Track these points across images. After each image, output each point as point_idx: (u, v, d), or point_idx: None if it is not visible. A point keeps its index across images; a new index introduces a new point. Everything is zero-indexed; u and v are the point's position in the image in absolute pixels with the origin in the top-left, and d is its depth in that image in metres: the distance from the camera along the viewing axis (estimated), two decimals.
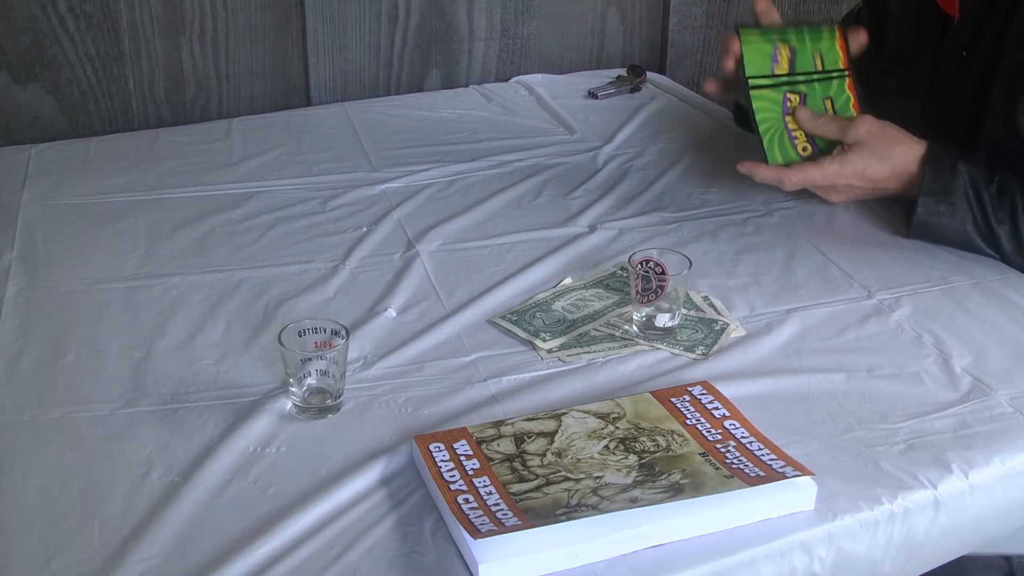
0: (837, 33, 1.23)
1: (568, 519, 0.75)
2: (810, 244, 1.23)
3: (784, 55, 1.22)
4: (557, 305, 1.10)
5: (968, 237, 1.17)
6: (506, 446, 0.85)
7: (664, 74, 1.93)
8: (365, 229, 1.27)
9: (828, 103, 1.22)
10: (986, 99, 1.20)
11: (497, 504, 0.77)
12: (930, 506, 0.84)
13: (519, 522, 0.75)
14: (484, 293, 1.12)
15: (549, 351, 1.02)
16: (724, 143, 1.55)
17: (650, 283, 1.03)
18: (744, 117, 1.32)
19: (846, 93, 1.23)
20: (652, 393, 0.92)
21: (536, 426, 0.88)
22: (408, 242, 1.24)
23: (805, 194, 1.34)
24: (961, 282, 1.14)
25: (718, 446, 0.85)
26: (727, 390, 0.93)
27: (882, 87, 1.33)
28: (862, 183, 1.19)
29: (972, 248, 1.18)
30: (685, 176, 1.44)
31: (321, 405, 0.93)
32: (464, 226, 1.28)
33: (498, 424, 0.88)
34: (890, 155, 1.17)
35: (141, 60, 1.61)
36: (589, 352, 1.02)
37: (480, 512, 0.76)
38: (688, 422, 0.88)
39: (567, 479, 0.81)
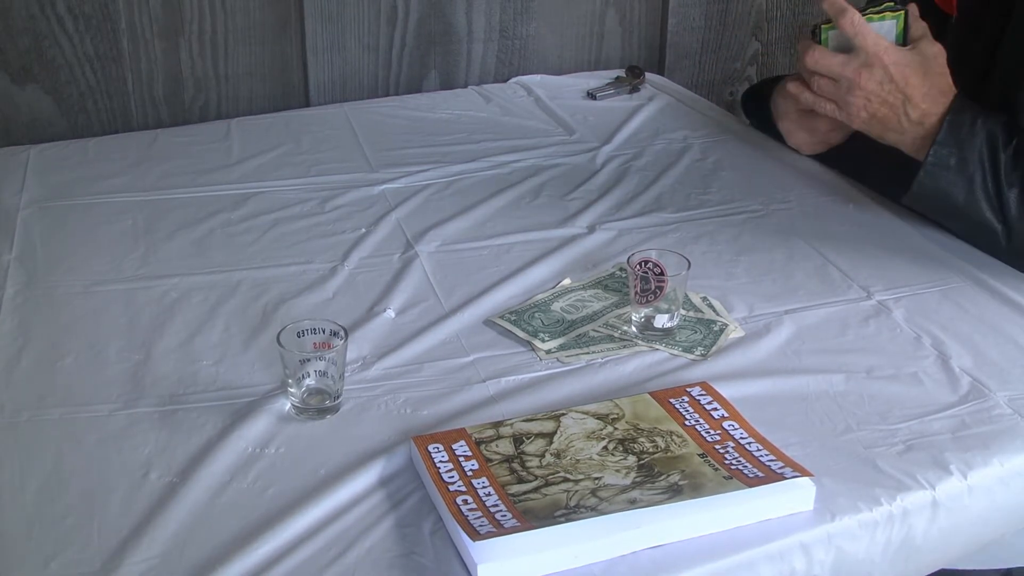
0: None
1: (567, 520, 0.76)
2: (809, 245, 1.23)
3: None
4: (556, 306, 1.10)
5: (973, 196, 1.13)
6: (505, 447, 0.85)
7: (663, 75, 1.93)
8: (364, 230, 1.27)
9: None
10: (984, 95, 1.19)
11: (496, 505, 0.77)
12: (928, 507, 0.84)
13: (518, 523, 0.75)
14: (483, 294, 1.12)
15: (548, 352, 1.02)
16: (723, 144, 1.55)
17: (649, 284, 1.03)
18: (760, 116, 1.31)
19: None
20: (651, 394, 0.92)
21: (535, 427, 0.88)
22: (407, 243, 1.24)
23: (806, 192, 1.35)
24: (960, 283, 1.14)
25: (717, 447, 0.85)
26: (726, 391, 0.93)
27: None
28: (895, 75, 1.14)
29: (974, 212, 1.14)
30: (684, 177, 1.43)
31: (320, 406, 0.93)
32: (463, 227, 1.28)
33: (497, 425, 0.88)
34: (931, 76, 1.15)
35: (140, 61, 1.61)
36: (588, 353, 1.02)
37: (479, 513, 0.76)
38: (687, 423, 0.88)
39: (566, 480, 0.81)
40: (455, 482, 0.80)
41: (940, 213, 1.19)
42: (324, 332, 0.93)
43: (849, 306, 1.11)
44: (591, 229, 1.28)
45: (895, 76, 1.15)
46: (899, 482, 0.85)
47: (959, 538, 0.87)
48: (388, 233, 1.27)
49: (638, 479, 0.81)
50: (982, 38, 1.22)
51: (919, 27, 1.18)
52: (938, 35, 1.27)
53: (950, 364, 1.00)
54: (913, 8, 1.18)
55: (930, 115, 1.15)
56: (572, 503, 0.78)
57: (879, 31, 1.16)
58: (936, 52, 1.16)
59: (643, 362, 1.01)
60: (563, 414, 0.90)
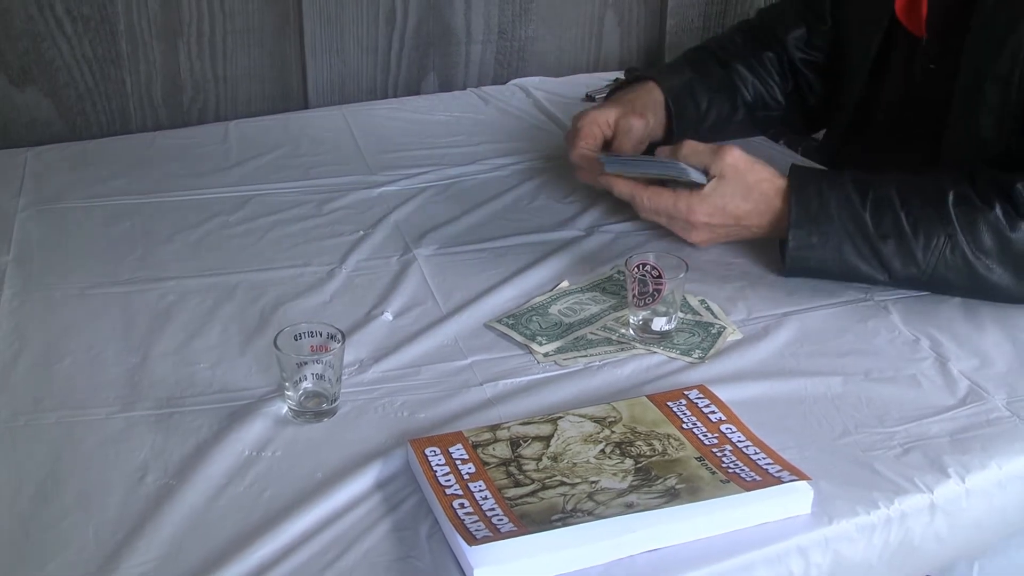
0: None
1: (564, 524, 0.75)
2: None
3: None
4: (554, 309, 1.10)
5: (847, 263, 1.08)
6: (502, 450, 0.85)
7: None
8: (362, 232, 1.27)
9: None
10: (949, 106, 1.19)
11: (493, 509, 0.77)
12: (926, 510, 0.84)
13: (514, 528, 0.75)
14: (481, 297, 1.12)
15: (545, 355, 1.02)
16: None
17: (647, 286, 1.02)
18: None
19: None
20: (648, 397, 0.92)
21: (532, 430, 0.88)
22: (405, 245, 1.24)
23: None
24: None
25: (714, 450, 0.85)
26: (724, 394, 0.93)
27: (852, 119, 1.35)
28: (723, 220, 1.12)
29: (856, 275, 1.09)
30: None
31: (317, 409, 0.93)
32: (461, 229, 1.28)
33: (494, 428, 0.88)
34: (751, 191, 1.11)
35: (139, 63, 1.61)
36: (585, 356, 1.02)
37: (476, 517, 0.76)
38: (684, 426, 0.88)
39: (563, 483, 0.81)
40: (452, 486, 0.80)
41: (822, 278, 1.13)
42: (321, 335, 0.93)
43: (847, 308, 1.10)
44: (589, 232, 1.28)
45: (721, 222, 1.13)
46: (897, 485, 0.85)
47: (957, 541, 0.87)
48: (386, 236, 1.27)
49: (635, 483, 0.81)
50: (949, 54, 1.20)
51: (706, 158, 1.13)
52: (909, 58, 1.27)
53: (948, 367, 1.00)
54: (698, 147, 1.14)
55: (768, 213, 1.11)
56: (569, 507, 0.78)
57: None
58: (744, 164, 1.11)
59: (641, 365, 1.01)
60: (560, 417, 0.90)
